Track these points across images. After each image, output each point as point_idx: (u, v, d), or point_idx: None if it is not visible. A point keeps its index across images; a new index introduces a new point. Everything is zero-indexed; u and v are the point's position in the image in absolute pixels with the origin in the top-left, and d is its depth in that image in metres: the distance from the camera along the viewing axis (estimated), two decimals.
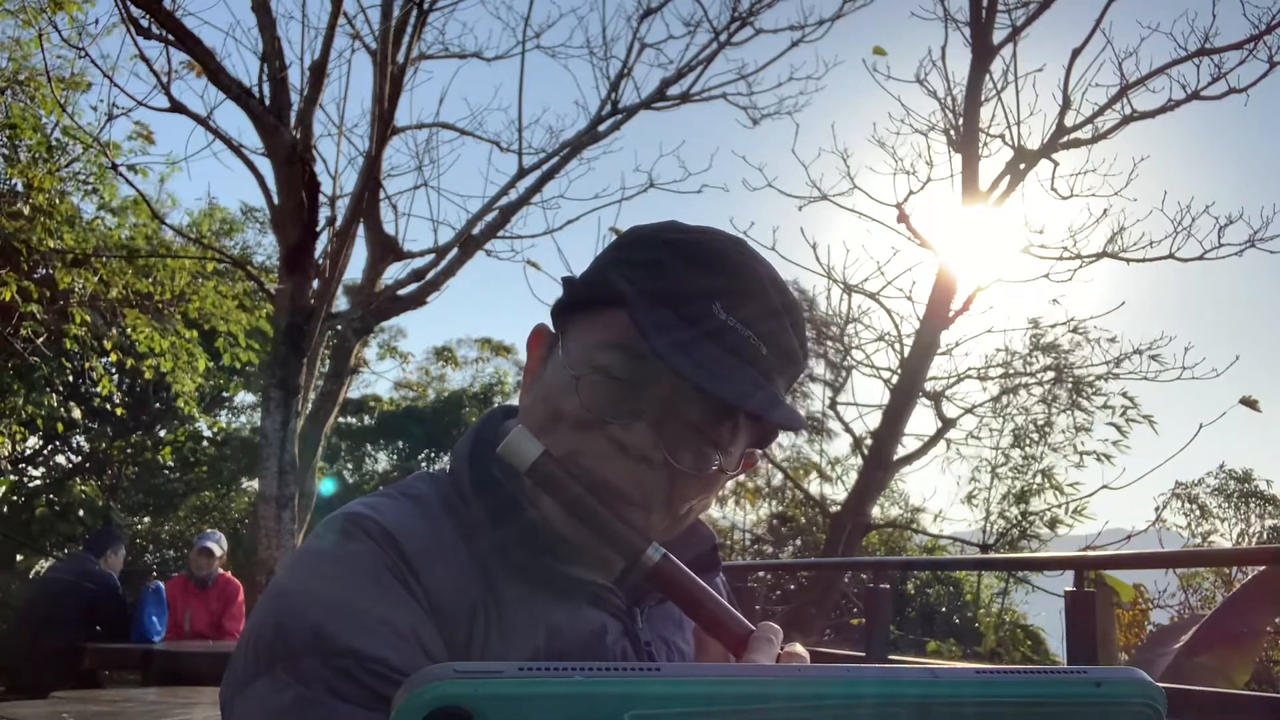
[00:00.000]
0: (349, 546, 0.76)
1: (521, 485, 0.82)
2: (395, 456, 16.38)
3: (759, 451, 0.88)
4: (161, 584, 6.03)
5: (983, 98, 9.82)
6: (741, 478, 13.68)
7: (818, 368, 13.27)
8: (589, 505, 0.77)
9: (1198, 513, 12.88)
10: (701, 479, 0.81)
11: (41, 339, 8.35)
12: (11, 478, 11.75)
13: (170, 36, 6.00)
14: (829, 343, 12.41)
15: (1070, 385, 11.58)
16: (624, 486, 0.79)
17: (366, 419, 16.54)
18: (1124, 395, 11.20)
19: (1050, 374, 11.64)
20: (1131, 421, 11.22)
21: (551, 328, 0.87)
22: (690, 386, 0.76)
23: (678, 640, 0.90)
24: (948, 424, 10.85)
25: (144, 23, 5.93)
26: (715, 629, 0.77)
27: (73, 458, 12.76)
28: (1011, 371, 11.58)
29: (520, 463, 0.77)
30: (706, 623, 0.78)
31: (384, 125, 7.84)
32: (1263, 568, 5.65)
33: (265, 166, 6.86)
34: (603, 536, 0.77)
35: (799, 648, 0.76)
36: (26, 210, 7.61)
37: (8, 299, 7.32)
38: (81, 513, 11.37)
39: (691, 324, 0.78)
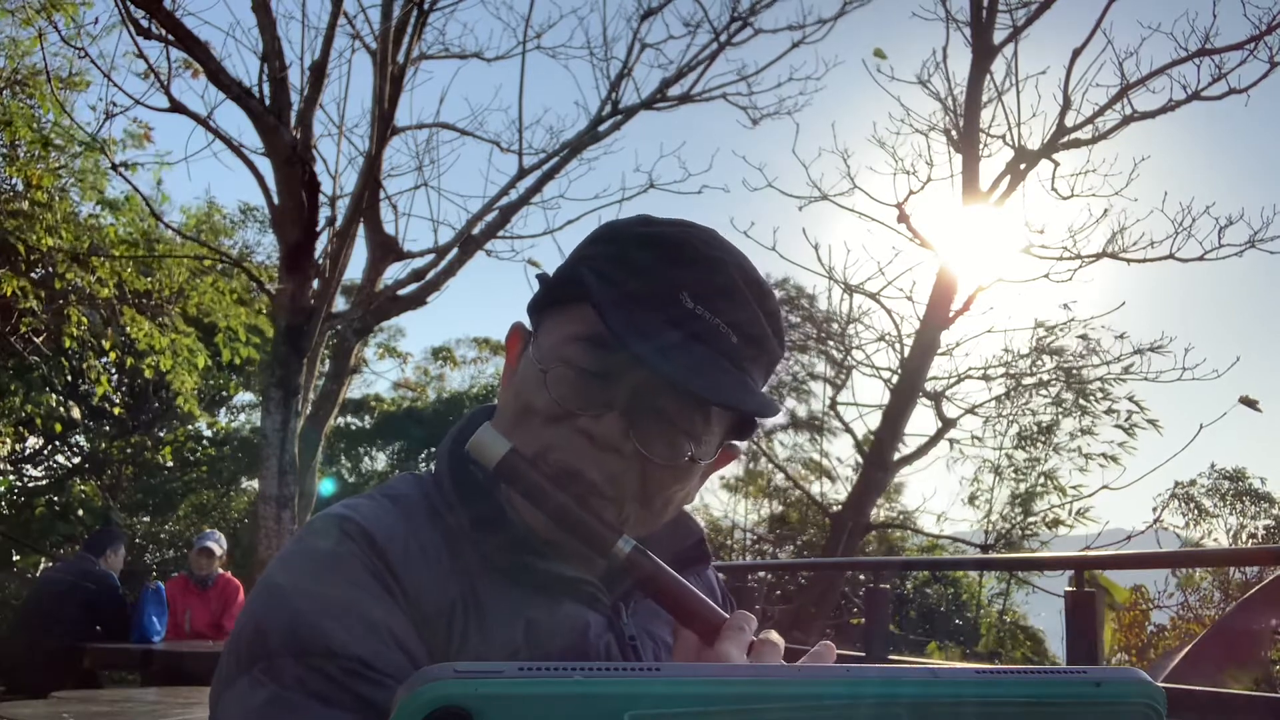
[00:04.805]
0: (329, 548, 0.77)
1: (500, 484, 0.82)
2: (395, 457, 16.38)
3: (740, 444, 0.88)
4: (161, 584, 6.03)
5: (984, 99, 9.83)
6: (738, 473, 13.68)
7: (819, 366, 13.28)
8: (558, 499, 0.76)
9: (1195, 513, 12.87)
10: (675, 470, 0.81)
11: (41, 338, 8.36)
12: (11, 478, 11.75)
13: (170, 36, 6.00)
14: (830, 342, 12.41)
15: (1075, 389, 11.58)
16: (595, 479, 0.78)
17: (366, 419, 16.55)
18: (1130, 399, 11.22)
19: (1054, 376, 11.64)
20: (1135, 427, 11.23)
21: (529, 325, 0.88)
22: (658, 377, 0.76)
23: (664, 634, 0.89)
24: (948, 424, 10.85)
25: (144, 23, 5.93)
26: (689, 620, 0.77)
27: (72, 458, 12.75)
28: (1014, 372, 11.58)
29: (487, 460, 0.77)
30: (680, 614, 0.77)
31: (384, 125, 7.84)
32: (1271, 576, 5.65)
33: (265, 166, 6.86)
34: (573, 530, 0.77)
35: (774, 635, 0.75)
36: (25, 207, 7.61)
37: (9, 294, 7.33)
38: (81, 513, 11.37)
39: (660, 316, 0.78)
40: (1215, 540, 12.63)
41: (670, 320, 0.78)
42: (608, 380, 0.79)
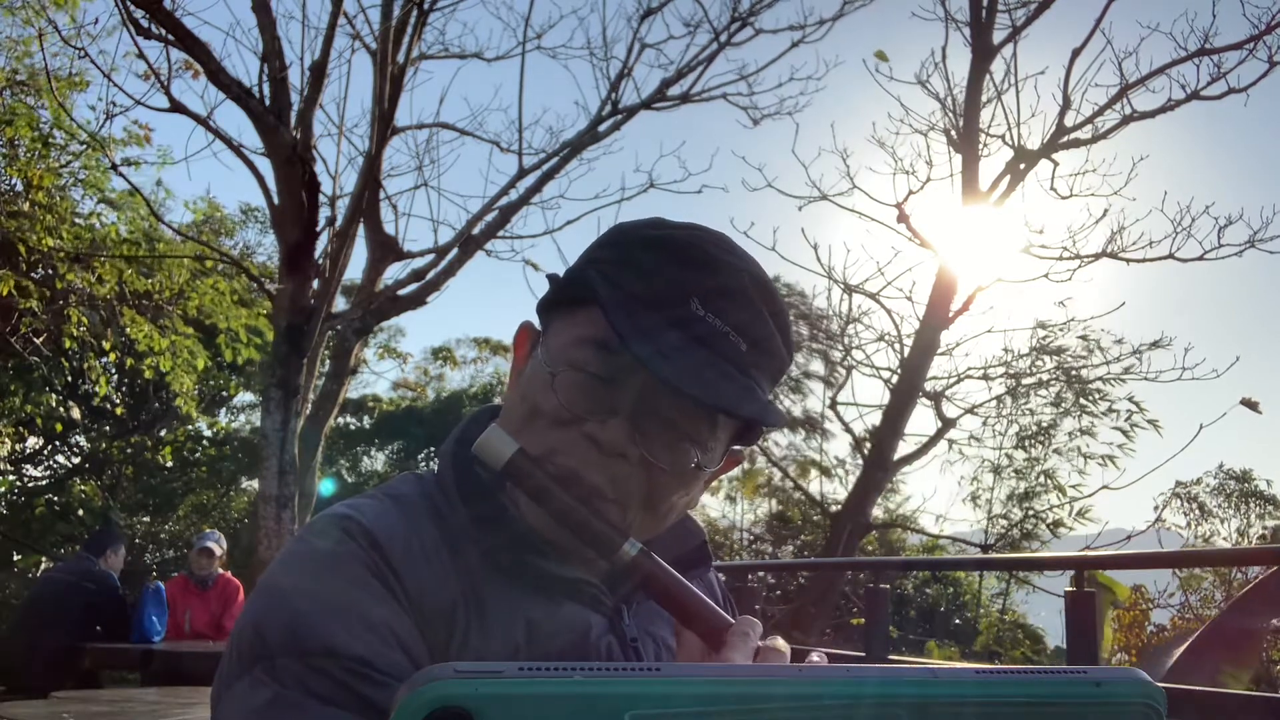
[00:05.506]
0: (330, 547, 0.77)
1: (504, 484, 0.82)
2: (395, 457, 16.37)
3: (744, 449, 0.87)
4: (161, 584, 6.04)
5: (983, 99, 9.83)
6: (738, 474, 13.69)
7: (815, 365, 13.28)
8: (564, 502, 0.76)
9: (1197, 513, 12.88)
10: (680, 476, 0.81)
11: (41, 338, 8.35)
12: (11, 478, 11.75)
13: (170, 36, 6.00)
14: (829, 342, 12.41)
15: (1075, 389, 11.58)
16: (600, 483, 0.78)
17: (366, 419, 16.54)
18: (1130, 400, 11.21)
19: (1054, 376, 11.64)
20: (1136, 427, 11.23)
21: (537, 325, 0.87)
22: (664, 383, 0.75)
23: (666, 636, 0.89)
24: (948, 424, 10.85)
25: (144, 23, 5.93)
26: (693, 623, 0.76)
27: (72, 457, 12.75)
28: (1013, 372, 11.58)
29: (494, 461, 0.76)
30: (684, 617, 0.77)
31: (384, 125, 7.84)
32: (1267, 571, 5.64)
33: (265, 166, 6.87)
34: (578, 533, 0.76)
35: (780, 641, 0.75)
36: (26, 207, 7.61)
37: (5, 294, 7.33)
38: (81, 513, 11.37)
39: (667, 320, 0.77)
40: (1224, 539, 12.65)
41: (677, 324, 0.77)
42: (614, 385, 0.79)
